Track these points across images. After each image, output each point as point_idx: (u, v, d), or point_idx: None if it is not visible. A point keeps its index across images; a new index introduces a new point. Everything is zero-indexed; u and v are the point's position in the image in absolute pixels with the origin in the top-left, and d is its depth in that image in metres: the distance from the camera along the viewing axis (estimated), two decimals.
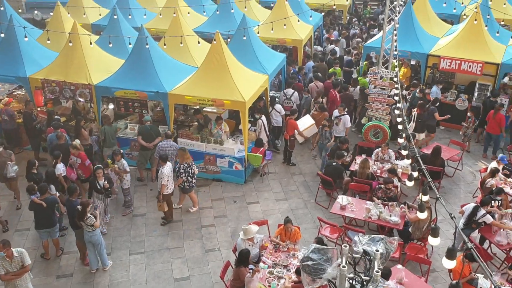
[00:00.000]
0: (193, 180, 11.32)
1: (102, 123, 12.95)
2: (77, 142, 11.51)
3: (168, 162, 10.99)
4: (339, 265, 5.15)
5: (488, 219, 9.59)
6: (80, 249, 10.05)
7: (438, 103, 14.32)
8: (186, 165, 11.06)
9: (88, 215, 9.17)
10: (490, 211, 9.80)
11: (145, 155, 12.63)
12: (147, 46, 12.59)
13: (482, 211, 9.60)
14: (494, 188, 10.46)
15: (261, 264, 8.83)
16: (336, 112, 13.63)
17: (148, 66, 12.75)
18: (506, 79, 15.73)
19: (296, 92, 14.89)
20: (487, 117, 13.69)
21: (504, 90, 15.30)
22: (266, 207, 11.88)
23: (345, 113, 13.51)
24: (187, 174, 11.05)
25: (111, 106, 13.92)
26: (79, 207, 9.31)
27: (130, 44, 13.54)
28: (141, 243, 10.69)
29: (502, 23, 18.22)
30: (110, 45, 13.93)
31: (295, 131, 13.21)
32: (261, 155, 12.52)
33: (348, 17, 24.19)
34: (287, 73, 16.55)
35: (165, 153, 11.45)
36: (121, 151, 11.63)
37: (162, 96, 12.49)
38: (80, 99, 13.18)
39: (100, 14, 19.46)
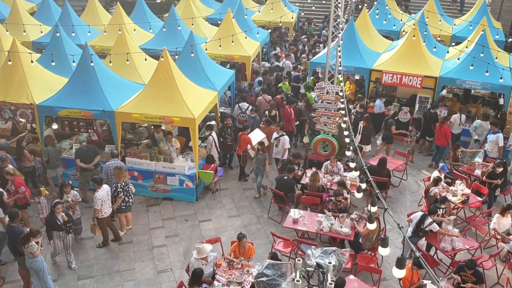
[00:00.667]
0: (130, 200, 11.04)
1: (46, 143, 12.47)
2: (10, 167, 10.93)
3: (104, 185, 10.61)
4: (293, 279, 5.17)
5: (435, 227, 9.97)
6: (23, 277, 9.50)
7: (396, 117, 14.86)
8: (123, 183, 10.80)
9: (32, 243, 8.71)
10: (437, 219, 10.19)
11: (86, 176, 12.22)
12: (92, 64, 12.31)
13: (429, 220, 9.97)
14: (438, 197, 10.89)
15: (215, 282, 8.72)
16: (275, 134, 13.50)
17: (93, 84, 12.44)
18: (444, 92, 16.56)
19: (250, 106, 15.06)
20: (435, 130, 14.30)
21: (443, 102, 16.08)
22: (219, 224, 11.79)
23: (283, 133, 13.45)
24: (125, 193, 10.80)
25: (54, 126, 13.44)
26: (27, 230, 8.86)
27: (74, 62, 13.17)
28: (90, 267, 10.28)
29: (439, 38, 19.25)
30: (53, 64, 13.51)
31: (248, 146, 13.25)
32: (212, 172, 12.45)
33: (294, 34, 24.72)
34: (239, 88, 16.66)
35: (101, 176, 11.10)
36: (70, 182, 11.03)
37: (109, 114, 12.21)
38: (21, 119, 12.64)
39: (41, 32, 18.85)
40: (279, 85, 17.17)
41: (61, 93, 12.61)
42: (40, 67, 13.35)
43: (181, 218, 12.03)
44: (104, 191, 10.49)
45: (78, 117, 12.55)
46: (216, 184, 13.12)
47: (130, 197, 11.01)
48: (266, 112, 15.16)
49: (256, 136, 13.64)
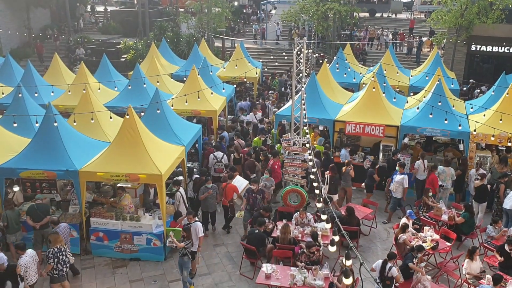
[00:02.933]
0: (64, 268, 10.20)
1: (4, 207, 11.96)
2: None
3: (29, 250, 10.10)
4: None
5: (394, 272, 9.95)
6: None
7: (377, 165, 15.06)
8: (56, 249, 10.02)
9: None
10: (412, 267, 10.25)
11: (37, 235, 11.79)
12: (55, 124, 12.12)
13: (389, 265, 9.97)
14: (415, 246, 10.91)
15: None
16: (185, 220, 11.51)
17: (57, 144, 12.20)
18: (406, 140, 17.02)
19: (225, 154, 15.30)
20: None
21: (406, 150, 16.49)
22: None
23: (197, 220, 11.44)
24: (57, 260, 10.03)
25: (16, 188, 12.98)
26: None
27: (37, 122, 12.96)
28: None
29: (397, 89, 20.03)
30: (15, 125, 13.20)
31: (234, 194, 13.27)
32: (180, 229, 12.14)
33: (258, 88, 25.25)
34: (209, 140, 16.90)
35: (23, 241, 10.56)
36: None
37: (73, 174, 11.91)
38: None
39: (2, 93, 18.57)
40: (255, 139, 17.44)
41: (22, 154, 12.30)
42: (0, 128, 13.06)
43: (149, 279, 11.56)
44: (29, 256, 10.00)
45: (41, 178, 12.24)
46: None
47: (64, 266, 10.19)
48: (232, 155, 15.55)
49: (240, 183, 13.76)
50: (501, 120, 14.30)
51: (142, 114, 14.95)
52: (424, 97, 17.03)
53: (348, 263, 6.73)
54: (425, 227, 12.27)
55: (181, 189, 13.10)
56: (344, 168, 14.58)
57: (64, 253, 10.19)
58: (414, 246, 10.87)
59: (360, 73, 21.93)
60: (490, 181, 14.33)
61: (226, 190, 13.32)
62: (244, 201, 13.20)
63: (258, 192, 13.15)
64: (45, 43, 35.23)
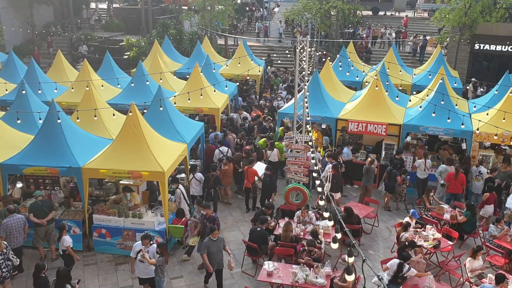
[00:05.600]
0: (4, 270, 9.94)
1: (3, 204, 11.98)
2: None
3: None
4: None
5: (413, 272, 10.04)
6: None
7: (399, 165, 14.92)
8: None
9: None
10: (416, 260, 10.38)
11: (39, 232, 11.77)
12: (58, 121, 12.15)
13: (407, 267, 10.02)
14: (407, 243, 10.93)
15: None
16: (139, 246, 10.30)
17: (60, 141, 12.24)
18: (408, 138, 17.00)
19: (229, 149, 15.97)
20: (447, 179, 14.26)
21: (408, 148, 16.48)
22: (191, 281, 11.41)
23: (152, 243, 10.47)
24: None
25: (19, 184, 13.02)
26: None
27: (40, 119, 12.98)
28: None
29: (400, 88, 20.00)
30: (19, 121, 13.26)
31: (256, 177, 14.37)
32: (182, 226, 12.17)
33: (262, 86, 25.25)
34: (215, 138, 17.01)
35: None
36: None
37: (75, 171, 11.95)
38: None
39: (6, 90, 18.61)
40: (259, 142, 17.33)
41: (26, 150, 12.34)
42: (4, 125, 13.10)
43: None
44: None
45: (44, 174, 12.28)
46: (187, 239, 12.80)
47: (5, 268, 9.98)
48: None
49: (260, 167, 14.86)
50: (504, 119, 14.28)
51: (145, 111, 14.98)
52: (427, 95, 17.00)
53: (351, 260, 6.74)
54: (427, 226, 12.27)
55: (181, 186, 13.12)
56: (368, 161, 14.82)
57: (5, 256, 9.98)
58: (406, 243, 10.87)
59: (363, 72, 21.91)
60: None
61: (248, 174, 14.38)
62: (199, 226, 11.84)
63: (209, 219, 11.51)
64: (45, 43, 35.21)
